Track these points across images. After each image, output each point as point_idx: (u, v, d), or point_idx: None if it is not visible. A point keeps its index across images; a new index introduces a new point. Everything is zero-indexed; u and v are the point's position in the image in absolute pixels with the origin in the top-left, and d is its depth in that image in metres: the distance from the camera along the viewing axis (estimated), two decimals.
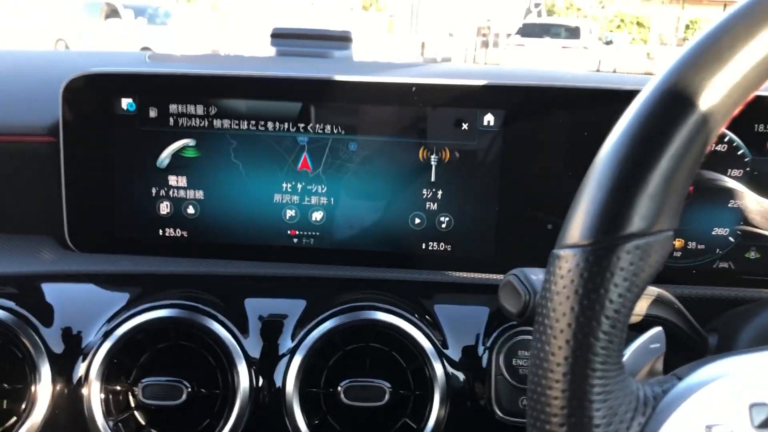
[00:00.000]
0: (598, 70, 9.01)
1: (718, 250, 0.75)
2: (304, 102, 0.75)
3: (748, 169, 0.74)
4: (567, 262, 0.39)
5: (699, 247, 0.76)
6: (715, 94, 0.38)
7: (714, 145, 0.73)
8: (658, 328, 0.52)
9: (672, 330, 0.60)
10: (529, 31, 14.84)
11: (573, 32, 14.58)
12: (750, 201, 0.73)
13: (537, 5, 19.19)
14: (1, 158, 0.78)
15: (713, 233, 0.75)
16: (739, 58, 0.38)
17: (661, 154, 0.38)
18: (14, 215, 0.80)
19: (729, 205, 0.75)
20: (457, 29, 18.10)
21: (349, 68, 0.98)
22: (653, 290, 0.60)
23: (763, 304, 0.66)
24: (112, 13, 12.14)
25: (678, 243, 0.76)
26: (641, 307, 0.58)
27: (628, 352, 0.49)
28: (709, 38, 0.39)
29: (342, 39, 1.18)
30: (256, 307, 0.72)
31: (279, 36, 1.18)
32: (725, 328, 0.64)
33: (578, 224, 0.40)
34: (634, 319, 0.58)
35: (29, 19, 11.94)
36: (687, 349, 0.61)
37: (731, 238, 0.75)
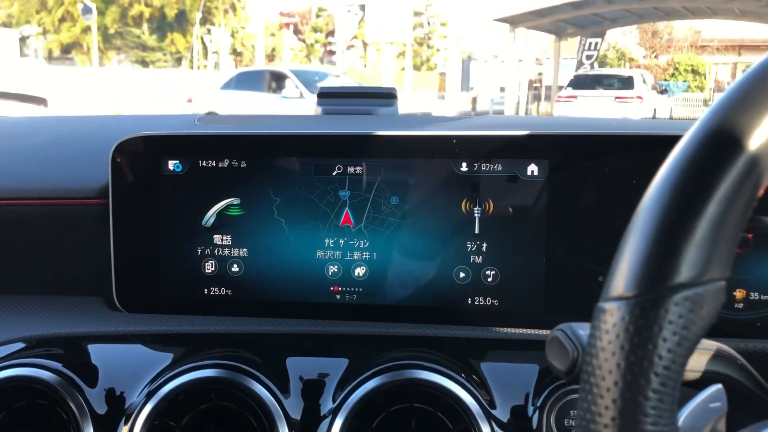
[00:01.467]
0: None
1: None
2: (345, 157, 0.75)
3: None
4: (612, 315, 0.37)
5: (762, 297, 0.71)
6: (763, 133, 0.36)
7: None
8: (718, 386, 0.48)
9: (735, 387, 0.56)
10: (581, 82, 14.80)
11: (626, 82, 14.47)
12: None
13: (589, 57, 19.20)
14: (52, 221, 0.80)
15: None
16: None
17: (709, 198, 0.36)
18: (64, 277, 0.82)
19: None
20: (508, 83, 18.21)
21: (392, 124, 0.99)
22: (712, 344, 0.56)
23: None
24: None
25: (739, 294, 0.72)
26: (699, 363, 0.55)
27: (685, 413, 0.46)
28: (755, 74, 0.38)
29: (386, 96, 1.19)
30: (297, 366, 0.71)
31: (324, 96, 1.20)
32: None
33: (622, 275, 0.38)
34: (692, 375, 0.55)
35: None
36: (752, 409, 0.57)
37: None
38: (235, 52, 27.12)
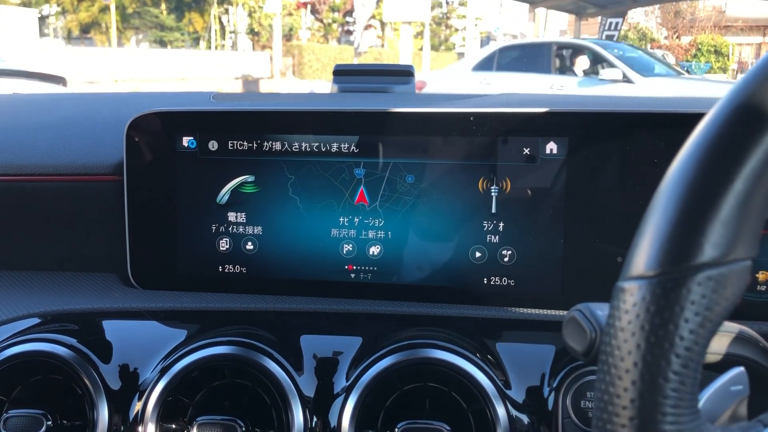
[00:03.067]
0: None
1: None
2: (360, 135, 0.74)
3: None
4: (632, 295, 0.36)
5: None
6: None
7: None
8: (740, 368, 0.47)
9: (757, 371, 0.55)
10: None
11: None
12: None
13: (609, 38, 18.93)
14: (68, 197, 0.80)
15: None
16: None
17: (735, 175, 0.35)
18: (80, 253, 0.82)
19: None
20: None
21: (408, 101, 0.97)
22: (734, 327, 0.55)
23: None
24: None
25: (763, 276, 0.70)
26: (721, 345, 0.54)
27: (706, 396, 0.45)
28: None
29: (403, 74, 1.18)
30: (312, 344, 0.71)
31: (340, 73, 1.19)
32: None
33: (644, 254, 0.37)
34: (713, 358, 0.54)
35: None
36: None
37: None
38: (252, 32, 27.03)
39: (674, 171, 0.37)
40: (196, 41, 27.04)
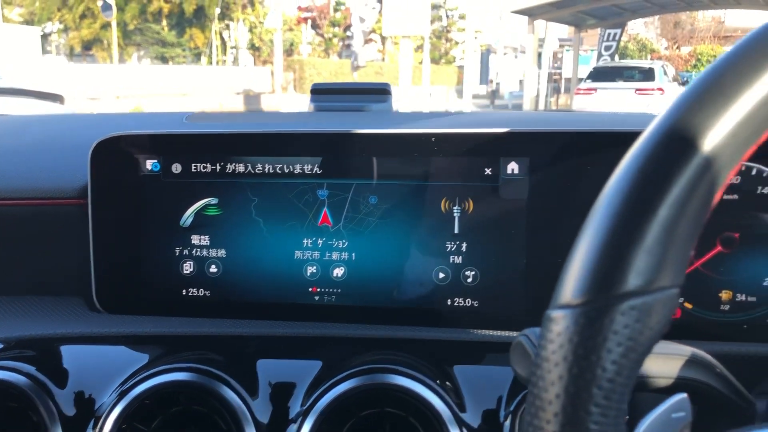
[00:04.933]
0: None
1: None
2: (323, 156, 0.74)
3: None
4: (557, 324, 0.36)
5: (749, 299, 0.69)
6: (718, 133, 0.34)
7: (761, 187, 0.68)
8: (682, 395, 0.46)
9: (711, 394, 0.54)
10: (600, 75, 14.61)
11: (647, 74, 14.25)
12: None
13: (608, 48, 18.98)
14: (33, 221, 0.80)
15: (765, 283, 0.69)
16: (743, 94, 0.34)
17: (658, 202, 0.34)
18: (45, 277, 0.82)
19: None
20: (527, 76, 18.07)
21: (379, 121, 0.97)
22: (686, 350, 0.55)
23: None
24: None
25: (726, 295, 0.69)
26: (671, 369, 0.53)
27: (645, 424, 0.44)
28: (710, 74, 0.36)
29: (380, 92, 1.18)
30: (270, 368, 0.70)
31: (317, 92, 1.19)
32: None
33: (570, 282, 0.36)
34: (664, 382, 0.53)
35: None
36: (731, 416, 0.55)
37: None
38: (253, 47, 27.16)
39: (601, 198, 0.37)
40: (197, 57, 27.18)
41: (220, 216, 0.76)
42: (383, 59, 31.24)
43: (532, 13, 16.98)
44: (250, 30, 26.99)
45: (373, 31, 23.92)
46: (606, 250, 0.35)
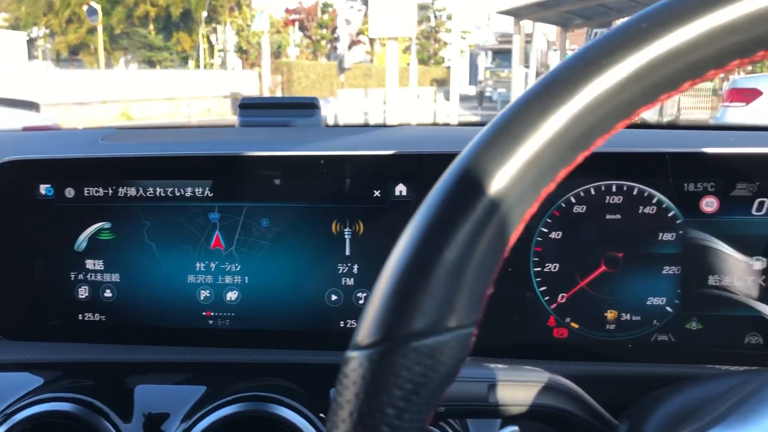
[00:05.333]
0: None
1: (655, 321, 0.69)
2: (214, 179, 0.74)
3: (680, 232, 0.68)
4: (351, 364, 0.36)
5: (634, 318, 0.69)
6: (505, 176, 0.34)
7: (643, 207, 0.68)
8: (513, 428, 0.46)
9: (569, 420, 0.54)
10: None
11: None
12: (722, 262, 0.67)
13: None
14: None
15: (648, 303, 0.69)
16: (529, 136, 0.34)
17: (442, 245, 0.34)
18: None
19: (663, 272, 0.68)
20: (514, 76, 18.12)
21: (299, 137, 0.97)
22: (544, 375, 0.55)
23: (680, 387, 0.59)
24: None
25: (611, 315, 0.70)
26: (526, 397, 0.53)
27: None
28: (501, 117, 0.36)
29: (307, 106, 1.18)
30: (152, 394, 0.70)
31: (245, 107, 1.19)
32: (639, 414, 0.58)
33: (365, 322, 0.36)
34: (518, 410, 0.53)
35: None
36: None
37: (669, 308, 0.69)
38: (241, 50, 27.12)
39: (401, 238, 0.37)
40: (184, 61, 27.12)
41: (114, 240, 0.75)
42: (372, 61, 31.25)
43: (518, 14, 17.05)
44: (238, 33, 26.95)
45: (362, 32, 23.92)
46: (391, 294, 0.35)
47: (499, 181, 0.34)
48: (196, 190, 0.74)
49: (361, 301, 0.73)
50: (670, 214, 0.68)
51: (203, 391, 0.70)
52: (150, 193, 0.74)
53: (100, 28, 20.21)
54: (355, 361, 0.35)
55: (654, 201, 0.68)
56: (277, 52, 27.93)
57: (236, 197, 0.73)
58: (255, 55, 25.66)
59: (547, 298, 0.70)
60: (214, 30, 27.75)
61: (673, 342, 0.69)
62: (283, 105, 1.18)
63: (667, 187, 0.68)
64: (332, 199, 0.72)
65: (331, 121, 13.82)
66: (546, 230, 0.69)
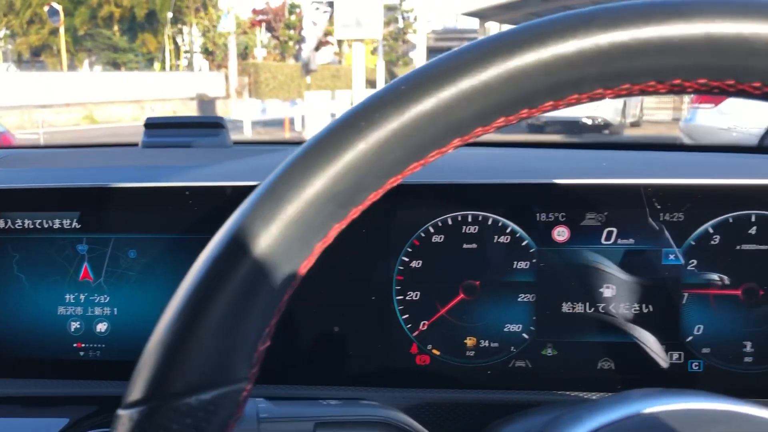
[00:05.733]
0: None
1: (512, 347, 0.71)
2: (81, 210, 0.73)
3: (534, 260, 0.69)
4: (117, 422, 0.36)
5: (492, 345, 0.71)
6: (272, 235, 0.35)
7: (498, 236, 0.69)
8: None
9: None
10: None
11: None
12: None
13: None
14: None
15: (505, 330, 0.70)
16: (294, 197, 0.35)
17: (206, 305, 0.35)
18: None
19: (519, 300, 0.70)
20: None
21: (192, 161, 0.97)
22: (377, 411, 0.56)
23: (526, 413, 0.61)
24: None
25: (470, 342, 0.71)
26: None
27: None
28: (270, 179, 0.37)
29: (212, 126, 1.18)
30: (12, 428, 0.70)
31: (150, 126, 1.18)
32: None
33: (132, 380, 0.37)
34: None
35: None
36: None
37: (525, 335, 0.70)
38: (207, 51, 26.87)
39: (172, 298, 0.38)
40: (150, 62, 26.80)
41: None
42: (340, 62, 31.21)
43: (483, 15, 17.16)
44: (204, 34, 26.70)
45: (329, 33, 23.88)
46: (154, 352, 0.35)
47: (264, 241, 0.35)
48: (64, 221, 0.74)
49: None
50: (524, 243, 0.69)
51: (64, 423, 0.70)
52: (18, 225, 0.74)
53: (62, 29, 19.89)
54: (120, 420, 0.36)
55: (508, 230, 0.69)
56: (244, 53, 27.74)
57: (103, 229, 0.73)
58: (221, 56, 25.45)
59: (409, 325, 0.71)
60: (180, 31, 27.48)
61: (530, 368, 0.71)
62: (188, 125, 1.18)
63: (521, 217, 0.69)
64: (199, 230, 0.73)
65: (297, 124, 13.75)
66: (407, 259, 0.70)
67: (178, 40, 27.51)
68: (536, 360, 0.70)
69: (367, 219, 0.71)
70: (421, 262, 0.70)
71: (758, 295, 0.67)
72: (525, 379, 0.70)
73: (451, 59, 0.35)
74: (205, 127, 1.17)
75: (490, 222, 0.69)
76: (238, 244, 0.36)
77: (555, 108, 0.36)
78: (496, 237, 0.70)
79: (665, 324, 0.69)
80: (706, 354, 0.69)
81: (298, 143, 1.16)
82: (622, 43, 0.33)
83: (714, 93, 0.35)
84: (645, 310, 0.69)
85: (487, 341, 0.71)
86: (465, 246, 0.70)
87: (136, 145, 1.17)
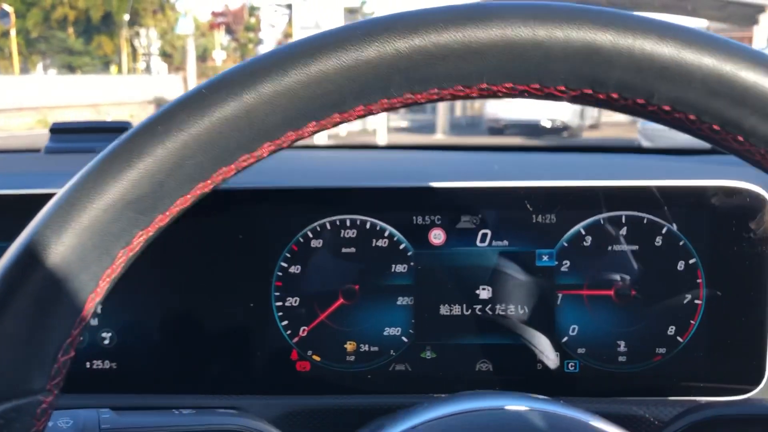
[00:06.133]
0: None
1: (392, 351, 0.70)
2: None
3: (412, 263, 0.69)
4: None
5: (372, 349, 0.70)
6: (65, 245, 0.34)
7: (375, 240, 0.69)
8: None
9: None
10: None
11: None
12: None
13: None
14: None
15: (385, 333, 0.70)
16: (87, 209, 0.34)
17: None
18: None
19: (398, 303, 0.70)
20: None
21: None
22: (235, 419, 0.55)
23: (393, 416, 0.60)
24: None
25: (350, 346, 0.70)
26: None
27: None
28: (62, 191, 0.36)
29: (118, 130, 1.16)
30: None
31: (56, 131, 1.15)
32: None
33: None
34: None
35: None
36: None
37: (404, 338, 0.70)
38: (165, 54, 26.51)
39: None
40: (106, 65, 26.32)
41: None
42: None
43: None
44: (162, 36, 26.35)
45: (289, 35, 23.74)
46: None
47: (57, 250, 0.34)
48: None
49: (106, 342, 0.71)
50: (401, 247, 0.69)
51: None
52: None
53: (13, 32, 19.43)
54: None
55: (386, 234, 0.69)
56: (203, 56, 27.43)
57: None
58: (180, 59, 25.13)
59: (289, 332, 0.70)
60: (137, 33, 27.06)
61: (410, 371, 0.70)
62: (93, 129, 1.15)
63: (398, 221, 0.69)
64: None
65: None
66: (285, 265, 0.70)
67: (136, 42, 27.09)
68: (415, 363, 0.70)
69: (243, 224, 0.70)
70: (299, 267, 0.70)
71: (630, 295, 0.68)
72: (404, 382, 0.70)
73: (254, 63, 0.35)
74: (111, 132, 1.14)
75: (368, 226, 0.69)
76: (29, 254, 0.35)
77: (369, 113, 0.36)
78: (374, 241, 0.69)
79: (541, 325, 0.69)
80: (582, 354, 0.69)
81: None
82: (422, 48, 0.33)
83: (525, 96, 0.35)
84: (521, 312, 0.69)
85: (367, 345, 0.70)
86: (344, 250, 0.69)
87: (38, 151, 1.14)
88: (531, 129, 12.33)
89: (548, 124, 12.54)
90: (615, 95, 0.32)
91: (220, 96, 0.33)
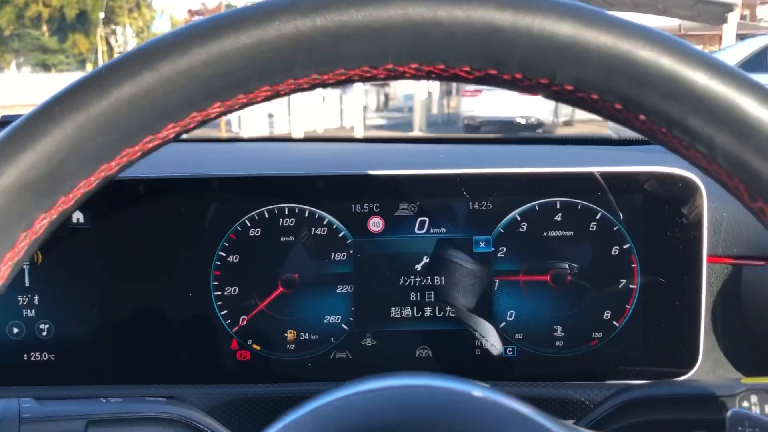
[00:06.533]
0: None
1: (332, 339, 0.70)
2: None
3: (351, 251, 0.69)
4: None
5: (312, 337, 0.70)
6: None
7: (315, 228, 0.69)
8: None
9: None
10: None
11: None
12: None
13: None
14: None
15: (325, 321, 0.70)
16: None
17: None
18: None
19: (338, 291, 0.70)
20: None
21: None
22: (163, 407, 0.55)
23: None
24: None
25: (291, 335, 0.70)
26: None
27: None
28: None
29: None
30: None
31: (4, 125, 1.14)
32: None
33: None
34: None
35: None
36: None
37: (345, 326, 0.70)
38: None
39: None
40: (81, 64, 25.98)
41: None
42: None
43: None
44: (138, 35, 26.07)
45: None
46: None
47: None
48: None
49: (44, 333, 0.71)
50: (340, 235, 0.69)
51: None
52: None
53: None
54: None
55: (325, 222, 0.69)
56: None
57: None
58: None
59: (228, 321, 0.70)
60: (113, 32, 26.75)
61: (350, 359, 0.70)
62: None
63: (337, 209, 0.69)
64: None
65: (234, 125, 13.55)
66: (224, 254, 0.69)
67: (112, 40, 26.77)
68: (356, 350, 0.70)
69: (181, 213, 0.70)
70: (238, 256, 0.69)
71: (566, 280, 0.69)
72: (345, 370, 0.70)
73: (154, 43, 0.34)
74: None
75: (306, 214, 0.69)
76: None
77: (276, 94, 0.36)
78: (313, 229, 0.69)
79: (479, 311, 0.70)
80: (519, 339, 0.70)
81: None
82: (324, 27, 0.33)
83: (432, 78, 0.35)
84: (460, 298, 0.70)
85: (307, 334, 0.70)
86: (282, 239, 0.69)
87: None
88: (506, 126, 12.40)
89: (522, 121, 12.61)
90: (519, 75, 0.33)
91: (119, 76, 0.33)
